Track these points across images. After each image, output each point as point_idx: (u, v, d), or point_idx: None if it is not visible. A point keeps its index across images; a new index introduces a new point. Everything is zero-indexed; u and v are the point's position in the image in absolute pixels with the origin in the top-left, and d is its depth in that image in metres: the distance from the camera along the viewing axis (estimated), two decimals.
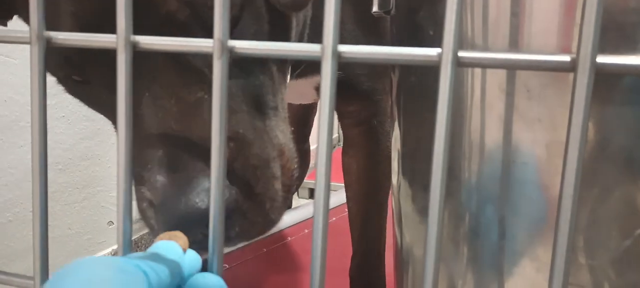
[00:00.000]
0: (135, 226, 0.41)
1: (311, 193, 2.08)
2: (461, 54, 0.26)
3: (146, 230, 0.46)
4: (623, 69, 0.24)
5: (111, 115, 0.50)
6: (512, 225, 0.35)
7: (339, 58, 0.27)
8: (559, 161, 0.26)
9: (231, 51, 0.29)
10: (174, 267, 0.30)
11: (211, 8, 0.28)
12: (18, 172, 1.17)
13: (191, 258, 0.33)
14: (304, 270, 1.18)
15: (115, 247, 1.37)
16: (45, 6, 0.31)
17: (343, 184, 0.92)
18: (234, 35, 0.29)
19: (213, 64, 0.29)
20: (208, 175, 0.40)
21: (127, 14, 0.29)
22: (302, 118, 1.39)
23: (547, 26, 0.31)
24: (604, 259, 0.32)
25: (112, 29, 0.30)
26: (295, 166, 0.50)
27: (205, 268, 0.34)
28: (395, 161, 0.49)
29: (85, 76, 0.47)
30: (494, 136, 0.35)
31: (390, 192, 0.58)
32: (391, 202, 0.53)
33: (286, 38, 0.53)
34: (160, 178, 0.42)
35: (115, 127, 0.51)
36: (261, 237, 0.46)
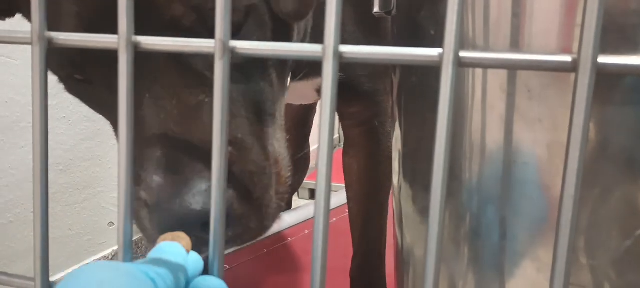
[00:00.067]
0: (135, 227, 0.41)
1: (312, 194, 2.08)
2: (462, 54, 0.26)
3: None
4: (624, 70, 0.24)
5: (111, 115, 0.50)
6: (513, 225, 0.35)
7: (340, 58, 0.27)
8: (560, 161, 0.26)
9: (233, 52, 0.29)
10: (180, 271, 0.31)
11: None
12: (19, 173, 1.17)
13: (194, 260, 0.33)
14: (305, 270, 1.18)
15: (115, 248, 1.37)
16: (47, 6, 0.31)
17: (344, 185, 0.92)
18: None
19: (214, 65, 0.29)
20: (204, 177, 0.40)
21: (129, 14, 0.29)
22: (302, 118, 1.39)
23: (548, 26, 0.31)
24: (605, 259, 0.32)
25: (115, 29, 0.30)
26: (289, 175, 0.50)
27: (205, 268, 0.34)
28: (396, 161, 0.49)
29: (87, 75, 0.47)
30: (495, 136, 0.35)
31: (391, 192, 0.58)
32: (392, 203, 0.53)
33: None
34: (156, 179, 0.42)
35: (114, 128, 0.51)
36: (255, 240, 0.46)
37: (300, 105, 1.21)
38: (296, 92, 0.78)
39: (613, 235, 0.32)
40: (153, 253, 0.32)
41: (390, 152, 0.85)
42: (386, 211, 0.91)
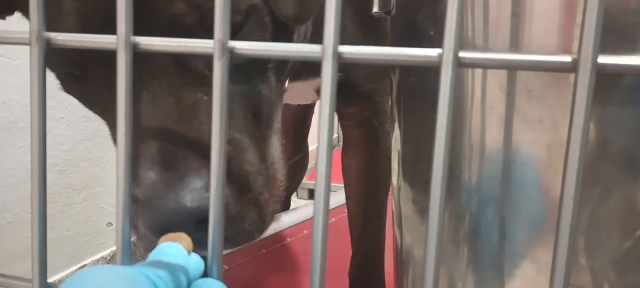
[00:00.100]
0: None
1: (311, 194, 2.08)
2: (462, 54, 0.26)
3: None
4: (624, 70, 0.24)
5: (108, 114, 0.50)
6: (512, 225, 0.35)
7: (339, 59, 0.27)
8: (560, 162, 0.26)
9: (232, 52, 0.29)
10: (181, 273, 0.30)
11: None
12: (17, 173, 1.17)
13: (194, 261, 0.33)
14: (304, 271, 1.18)
15: (114, 248, 1.37)
16: (46, 6, 0.31)
17: (343, 185, 0.92)
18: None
19: (213, 65, 0.29)
20: (200, 175, 0.40)
21: (128, 15, 0.29)
22: (301, 118, 1.39)
23: (548, 26, 0.31)
24: (605, 260, 0.32)
25: (114, 28, 0.30)
26: (283, 179, 0.50)
27: (204, 270, 0.34)
28: (395, 162, 0.49)
29: (87, 73, 0.46)
30: (494, 137, 0.35)
31: (390, 192, 0.58)
32: (390, 203, 0.53)
33: None
34: (150, 175, 0.41)
35: (110, 128, 0.51)
36: (249, 243, 0.45)
37: (299, 105, 1.21)
38: (295, 93, 0.78)
39: (613, 235, 0.32)
40: (153, 255, 0.32)
41: (389, 152, 0.85)
42: (385, 211, 0.91)
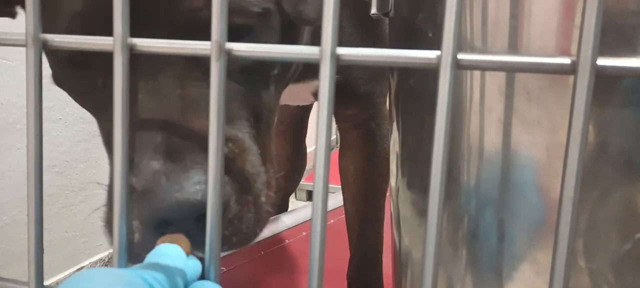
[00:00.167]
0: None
1: (309, 196, 2.08)
2: (460, 56, 0.25)
3: None
4: (623, 72, 0.24)
5: (100, 109, 0.49)
6: (511, 228, 0.35)
7: (337, 61, 0.27)
8: (559, 164, 0.26)
9: (229, 53, 0.29)
10: (178, 276, 0.30)
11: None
12: (15, 175, 1.17)
13: (192, 263, 0.33)
14: (302, 272, 1.18)
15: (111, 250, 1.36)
16: (46, 5, 0.31)
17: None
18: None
19: (211, 67, 0.29)
20: (204, 169, 0.39)
21: (124, 16, 0.29)
22: (299, 119, 1.39)
23: (547, 28, 0.31)
24: (604, 263, 0.32)
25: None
26: (273, 190, 0.49)
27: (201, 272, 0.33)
28: (394, 164, 0.49)
29: (87, 60, 0.45)
30: (493, 139, 0.35)
31: (388, 194, 0.58)
32: (388, 205, 0.53)
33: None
34: (153, 165, 0.39)
35: (99, 123, 0.50)
36: (244, 246, 0.45)
37: (297, 105, 1.21)
38: (293, 94, 0.78)
39: (612, 238, 0.31)
40: (151, 257, 0.32)
41: (387, 154, 0.85)
42: (383, 213, 0.91)
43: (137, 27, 0.41)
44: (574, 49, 0.30)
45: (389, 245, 0.55)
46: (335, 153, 0.92)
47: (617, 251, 0.31)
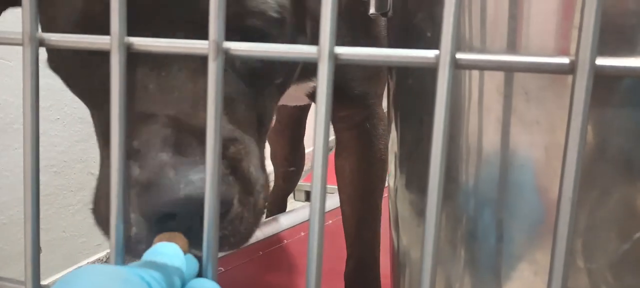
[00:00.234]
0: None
1: (307, 196, 2.08)
2: (459, 55, 0.25)
3: None
4: (623, 71, 0.24)
5: (97, 98, 0.48)
6: (510, 228, 0.35)
7: (335, 60, 0.27)
8: (558, 164, 0.26)
9: (227, 53, 0.29)
10: (175, 274, 0.30)
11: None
12: (13, 174, 1.16)
13: (189, 261, 0.33)
14: (300, 273, 1.18)
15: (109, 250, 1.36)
16: (49, 3, 0.30)
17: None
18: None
19: (208, 66, 0.29)
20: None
21: (121, 14, 0.29)
22: (297, 119, 1.39)
23: (546, 28, 0.31)
24: (603, 263, 0.32)
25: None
26: (268, 193, 0.48)
27: (199, 271, 0.33)
28: (392, 164, 0.49)
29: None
30: (491, 139, 0.35)
31: (386, 194, 0.58)
32: (385, 205, 0.53)
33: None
34: (162, 156, 0.38)
35: (92, 112, 0.49)
36: (238, 248, 0.45)
37: (295, 105, 1.21)
38: (287, 95, 0.78)
39: (611, 238, 0.31)
40: (148, 255, 0.32)
41: (382, 154, 0.86)
42: (379, 213, 0.91)
43: (156, 26, 0.40)
44: (572, 48, 0.30)
45: (387, 245, 0.54)
46: (334, 154, 0.92)
47: (616, 251, 0.31)
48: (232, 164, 0.41)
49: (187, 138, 0.40)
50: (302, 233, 1.36)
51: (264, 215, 0.47)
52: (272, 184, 1.58)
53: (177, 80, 0.42)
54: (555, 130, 0.32)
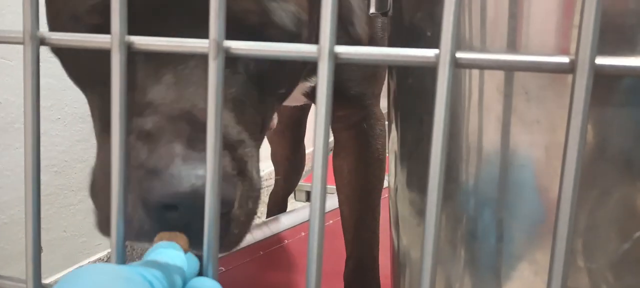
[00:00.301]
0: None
1: (308, 196, 2.08)
2: (459, 55, 0.25)
3: None
4: (622, 71, 0.24)
5: (98, 84, 0.48)
6: (510, 227, 0.35)
7: (335, 59, 0.27)
8: (558, 163, 0.26)
9: (227, 52, 0.29)
10: (176, 273, 0.30)
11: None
12: (14, 174, 1.16)
13: (190, 260, 0.33)
14: (300, 272, 1.18)
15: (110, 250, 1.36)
16: (43, 4, 0.31)
17: None
18: None
19: (208, 65, 0.29)
20: (223, 164, 0.38)
21: (122, 13, 0.29)
22: (297, 119, 1.39)
23: (546, 27, 0.31)
24: (603, 262, 0.32)
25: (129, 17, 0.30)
26: (260, 197, 0.48)
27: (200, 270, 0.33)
28: (393, 163, 0.49)
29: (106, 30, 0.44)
30: (492, 138, 0.35)
31: (385, 194, 0.58)
32: (384, 205, 0.53)
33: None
34: (175, 147, 0.38)
35: (89, 98, 0.49)
36: (233, 249, 0.44)
37: (295, 106, 1.21)
38: None
39: (611, 237, 0.31)
40: (149, 254, 0.32)
41: (380, 154, 0.86)
42: (378, 213, 0.91)
43: (184, 27, 0.40)
44: (572, 48, 0.30)
45: (387, 245, 0.54)
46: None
47: (616, 251, 0.31)
48: (240, 166, 0.41)
49: (199, 133, 0.39)
50: (303, 233, 1.36)
51: (264, 216, 0.47)
52: (272, 184, 1.58)
53: (194, 75, 0.42)
54: (556, 130, 0.32)
